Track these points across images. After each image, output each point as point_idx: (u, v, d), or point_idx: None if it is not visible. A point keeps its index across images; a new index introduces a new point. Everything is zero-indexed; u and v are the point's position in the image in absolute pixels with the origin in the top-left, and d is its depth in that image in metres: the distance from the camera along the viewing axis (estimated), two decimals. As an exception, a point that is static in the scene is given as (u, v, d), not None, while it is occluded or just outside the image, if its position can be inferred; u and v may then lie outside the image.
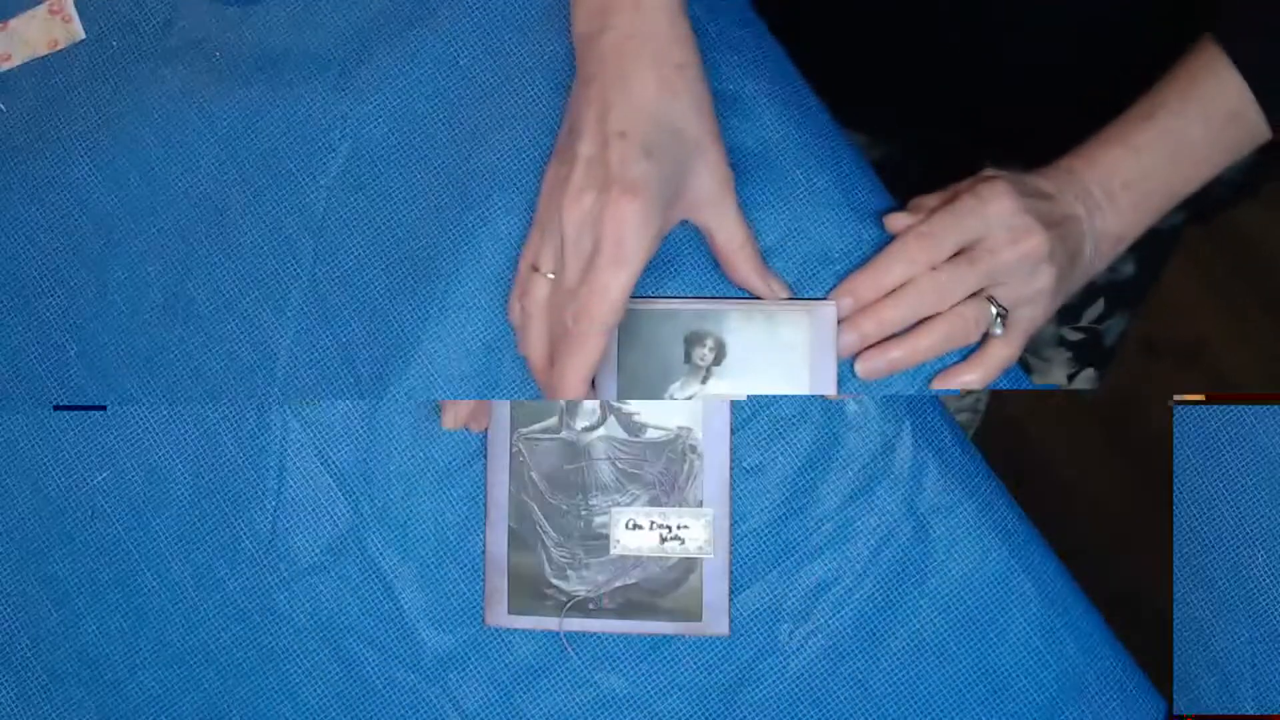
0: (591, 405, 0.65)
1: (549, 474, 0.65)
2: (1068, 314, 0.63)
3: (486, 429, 0.65)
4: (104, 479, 0.67)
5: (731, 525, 0.65)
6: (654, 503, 0.65)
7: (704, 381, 0.63)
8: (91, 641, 0.67)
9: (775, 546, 0.65)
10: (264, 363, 0.67)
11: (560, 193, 0.58)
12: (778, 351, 0.63)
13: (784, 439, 0.65)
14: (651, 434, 0.64)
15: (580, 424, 0.65)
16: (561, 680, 0.65)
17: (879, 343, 0.62)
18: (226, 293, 0.68)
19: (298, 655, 0.66)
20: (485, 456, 0.65)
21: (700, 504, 0.64)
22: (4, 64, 0.72)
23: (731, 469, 0.64)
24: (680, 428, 0.64)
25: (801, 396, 0.64)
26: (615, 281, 0.56)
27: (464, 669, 0.66)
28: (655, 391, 0.63)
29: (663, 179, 0.57)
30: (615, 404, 0.64)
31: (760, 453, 0.65)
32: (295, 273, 0.68)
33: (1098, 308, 0.91)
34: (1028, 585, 0.65)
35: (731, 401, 0.64)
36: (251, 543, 0.66)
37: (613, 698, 0.65)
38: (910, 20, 0.76)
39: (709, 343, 0.63)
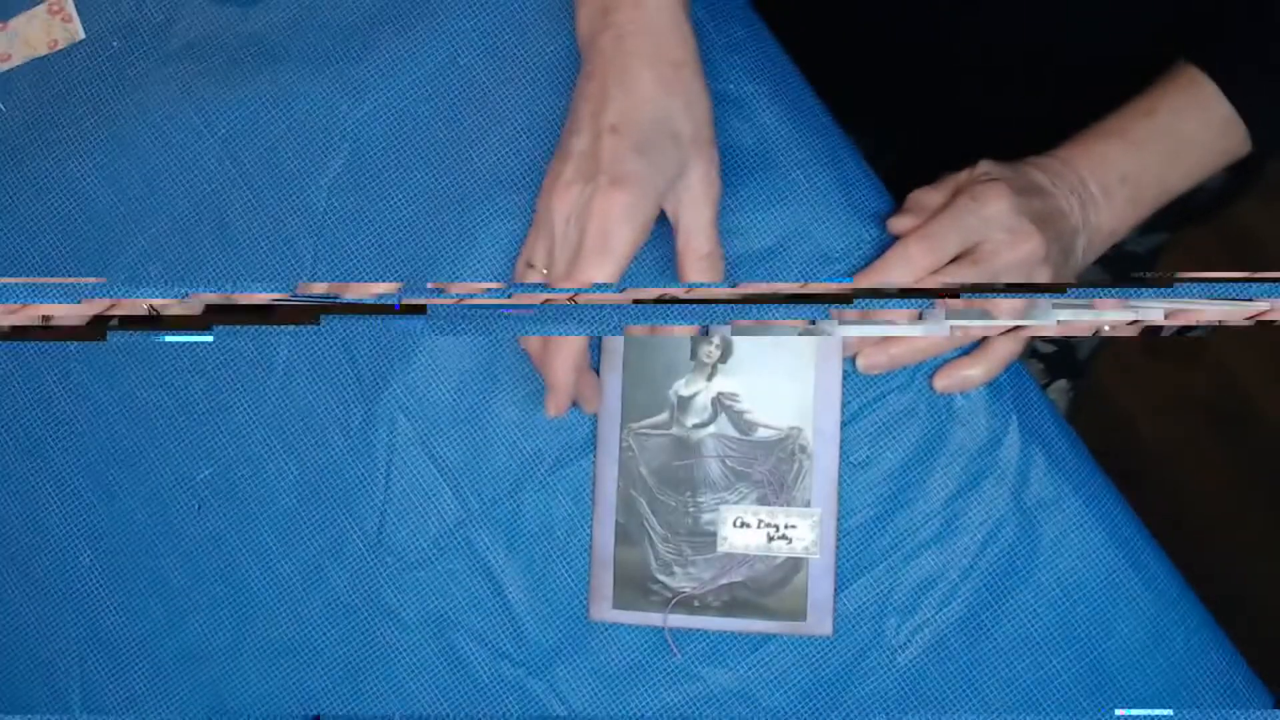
0: (703, 402, 0.65)
1: (658, 470, 0.65)
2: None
3: (596, 413, 0.65)
4: (209, 474, 0.68)
5: (838, 526, 0.65)
6: (762, 501, 0.65)
7: (709, 379, 0.64)
8: (197, 637, 0.67)
9: (882, 541, 0.65)
10: (266, 359, 0.68)
11: (551, 186, 0.58)
12: (783, 351, 0.64)
13: (891, 434, 0.65)
14: (762, 433, 0.65)
15: (691, 421, 0.65)
16: (668, 675, 0.65)
17: (882, 338, 0.63)
18: (227, 292, 0.68)
19: (404, 651, 0.66)
20: (594, 451, 0.65)
21: (808, 504, 0.64)
22: (4, 64, 0.72)
23: (840, 469, 0.64)
24: (791, 427, 0.64)
25: (911, 391, 0.64)
26: (600, 273, 0.56)
27: (570, 664, 0.66)
28: (660, 388, 0.64)
29: (653, 174, 0.57)
30: (726, 401, 0.64)
31: (868, 448, 0.65)
32: (295, 272, 0.68)
33: None
34: (1135, 582, 0.65)
35: (841, 398, 0.64)
36: (358, 538, 0.67)
37: (720, 692, 0.65)
38: (907, 20, 0.77)
39: (715, 340, 0.64)
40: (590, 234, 0.56)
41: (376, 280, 0.67)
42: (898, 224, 0.63)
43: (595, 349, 0.65)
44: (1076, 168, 0.64)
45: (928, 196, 0.64)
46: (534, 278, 0.60)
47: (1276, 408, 1.54)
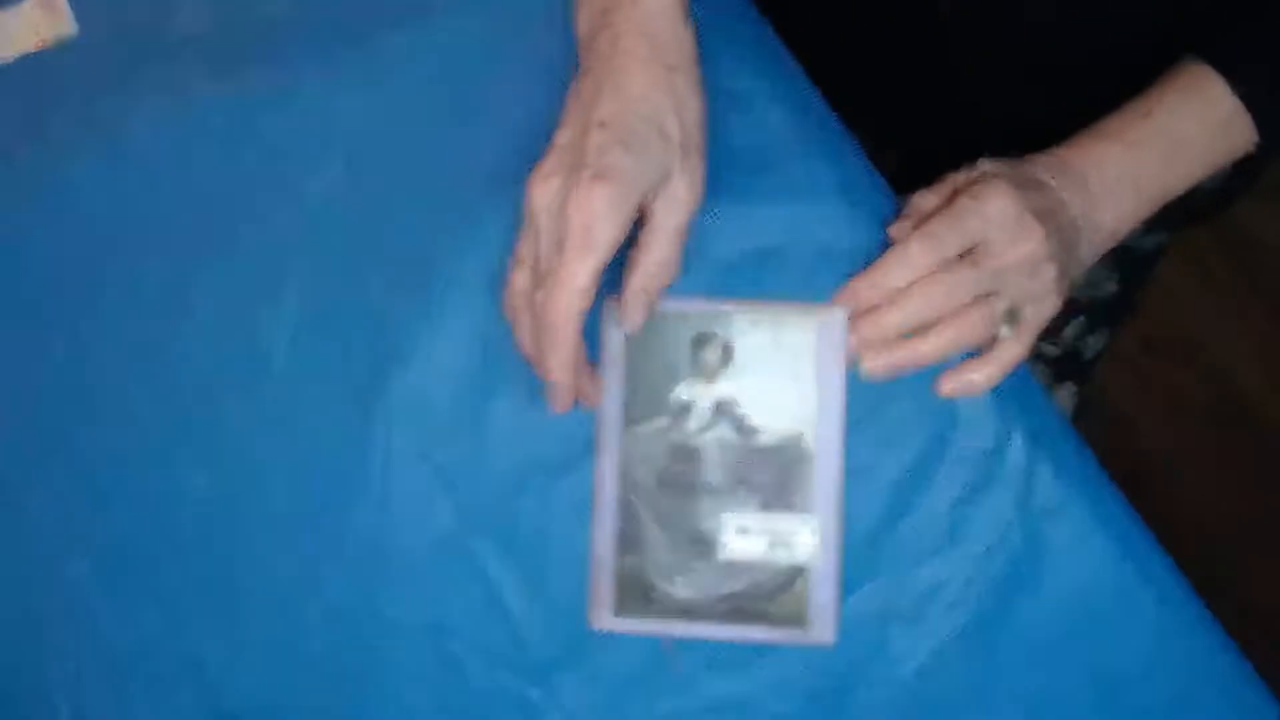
0: (704, 407, 0.64)
1: (659, 475, 0.64)
2: (1047, 330, 0.65)
3: (596, 408, 0.64)
4: (205, 481, 0.67)
5: (841, 532, 0.64)
6: (764, 507, 0.64)
7: (710, 384, 0.63)
8: (193, 645, 0.66)
9: (885, 548, 0.64)
10: (261, 362, 0.67)
11: (532, 178, 0.57)
12: (785, 355, 0.63)
13: (895, 440, 0.64)
14: (764, 438, 0.64)
15: (692, 426, 0.64)
16: (669, 683, 0.65)
17: (885, 343, 0.62)
18: (224, 292, 0.68)
19: (401, 657, 0.65)
20: (594, 456, 0.64)
21: (810, 510, 0.64)
22: (-6, 59, 0.71)
23: (843, 474, 0.64)
24: (793, 433, 0.64)
25: (915, 397, 0.64)
26: (582, 268, 0.55)
27: (569, 672, 0.65)
28: (661, 393, 0.63)
29: (638, 171, 0.56)
30: (728, 406, 0.64)
31: (871, 454, 0.64)
32: (293, 272, 0.67)
33: (1078, 325, 0.92)
34: (1142, 589, 0.64)
35: (844, 404, 0.63)
36: (354, 544, 0.66)
37: (721, 701, 0.65)
38: (907, 19, 0.77)
39: (716, 345, 0.63)
40: (572, 229, 0.55)
41: (372, 279, 0.67)
42: (898, 230, 0.63)
43: (594, 346, 0.64)
44: (1075, 167, 0.64)
45: (927, 201, 0.63)
46: (520, 273, 0.59)
47: (1277, 410, 1.54)
